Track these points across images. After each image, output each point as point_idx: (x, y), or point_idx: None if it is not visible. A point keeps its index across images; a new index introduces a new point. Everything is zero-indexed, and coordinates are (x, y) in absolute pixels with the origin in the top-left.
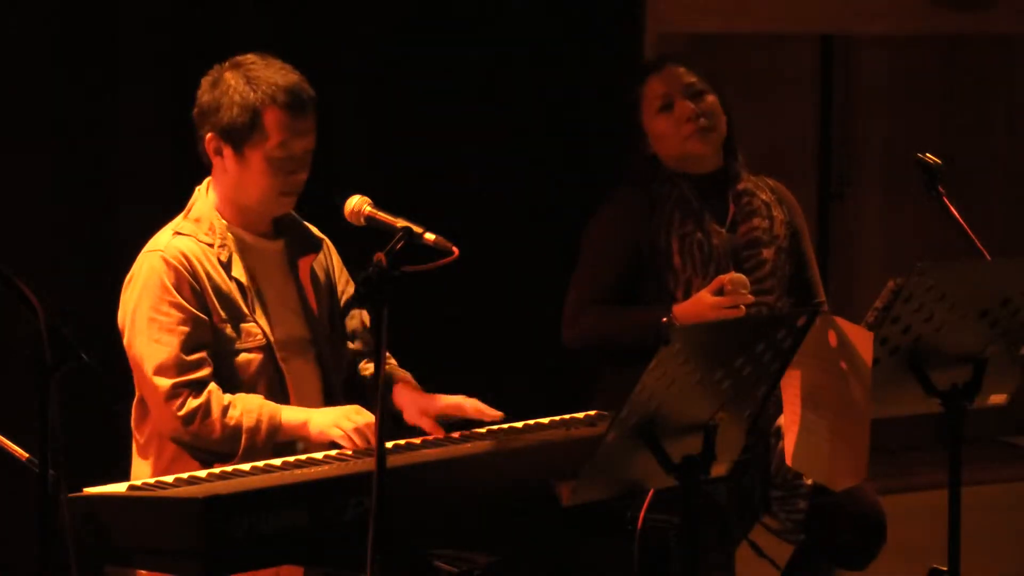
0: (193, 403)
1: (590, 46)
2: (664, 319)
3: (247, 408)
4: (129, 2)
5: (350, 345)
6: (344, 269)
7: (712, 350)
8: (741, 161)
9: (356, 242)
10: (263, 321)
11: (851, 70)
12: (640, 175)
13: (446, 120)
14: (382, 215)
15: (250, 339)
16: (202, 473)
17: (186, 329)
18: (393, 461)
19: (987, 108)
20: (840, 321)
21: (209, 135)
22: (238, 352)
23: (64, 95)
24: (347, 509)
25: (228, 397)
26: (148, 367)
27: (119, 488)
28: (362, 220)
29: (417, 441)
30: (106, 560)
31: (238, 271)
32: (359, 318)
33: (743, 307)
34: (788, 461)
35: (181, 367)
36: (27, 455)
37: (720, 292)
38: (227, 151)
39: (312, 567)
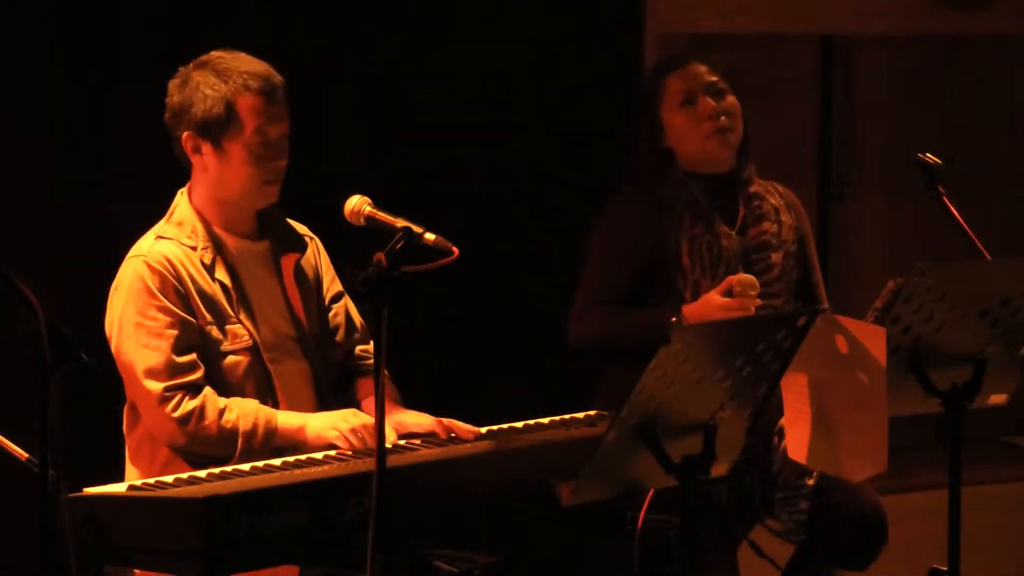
0: (189, 405)
1: (590, 46)
2: (673, 319)
3: (243, 412)
4: (129, 2)
5: (336, 340)
6: (331, 267)
7: (712, 350)
8: (753, 165)
9: (356, 242)
10: (248, 322)
11: (851, 70)
12: (647, 174)
13: (446, 120)
14: (382, 215)
15: (236, 341)
16: (202, 473)
17: (175, 332)
18: (393, 461)
19: (987, 108)
20: (847, 320)
21: (185, 134)
22: (225, 354)
23: (64, 95)
24: (347, 509)
25: (224, 400)
26: (139, 372)
27: (119, 488)
28: (362, 220)
29: (417, 441)
30: (106, 560)
31: (221, 273)
32: (343, 312)
33: (752, 308)
34: (793, 457)
35: (172, 370)
36: (27, 455)
37: (729, 293)
38: (205, 147)
39: (312, 567)
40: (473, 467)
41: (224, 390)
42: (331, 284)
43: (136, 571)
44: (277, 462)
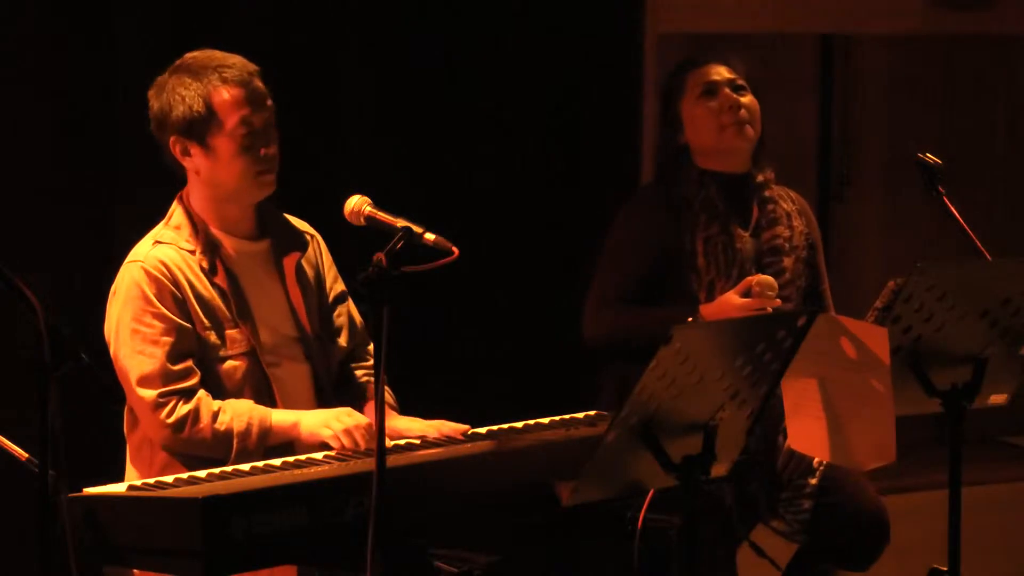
0: (182, 410)
1: (590, 46)
2: (690, 319)
3: (237, 412)
4: (129, 2)
5: (339, 342)
6: (333, 265)
7: (712, 350)
8: (771, 169)
9: (356, 242)
10: (247, 326)
11: (851, 70)
12: (664, 170)
13: (445, 120)
14: (382, 215)
15: (235, 345)
16: (202, 473)
17: (169, 339)
18: (393, 461)
19: (987, 108)
20: (848, 320)
21: (171, 139)
22: (223, 359)
23: (64, 94)
24: (347, 509)
25: (217, 403)
26: (133, 379)
27: (119, 488)
28: (362, 220)
29: (417, 441)
30: (106, 560)
31: (220, 277)
32: (346, 314)
33: (770, 309)
34: (798, 451)
35: (167, 377)
36: (27, 455)
37: (747, 294)
38: (193, 148)
39: (312, 567)
40: (473, 467)
41: (222, 395)
42: (334, 283)
43: (136, 571)
44: (277, 462)
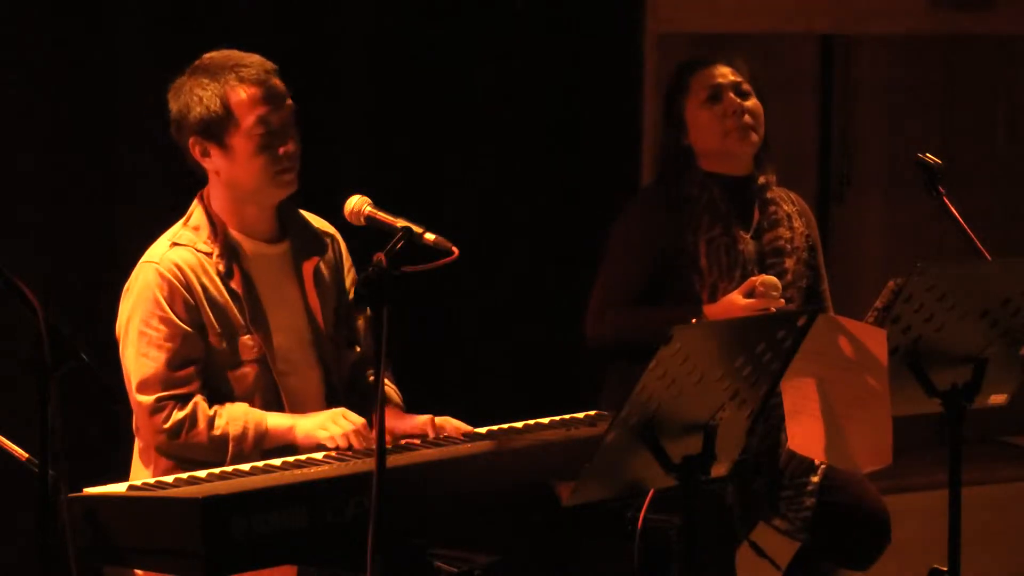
0: (178, 415)
1: (590, 46)
2: (695, 320)
3: (232, 416)
4: (129, 2)
5: (355, 346)
6: (353, 267)
7: (712, 350)
8: (772, 171)
9: (356, 242)
10: (260, 333)
11: (851, 70)
12: (667, 172)
13: (445, 120)
14: (382, 215)
15: (247, 352)
16: (202, 473)
17: (172, 345)
18: (393, 461)
19: (987, 108)
20: (847, 321)
21: (191, 140)
22: (234, 366)
23: (64, 95)
24: (347, 509)
25: (213, 407)
26: (133, 382)
27: (119, 488)
28: (362, 220)
29: (417, 441)
30: (106, 560)
31: (236, 281)
32: (363, 316)
33: (773, 310)
34: (794, 448)
35: (166, 382)
36: (27, 455)
37: (751, 294)
38: (212, 149)
39: (312, 567)
40: (473, 467)
41: (232, 400)
42: (352, 285)
43: (136, 571)
44: (277, 462)
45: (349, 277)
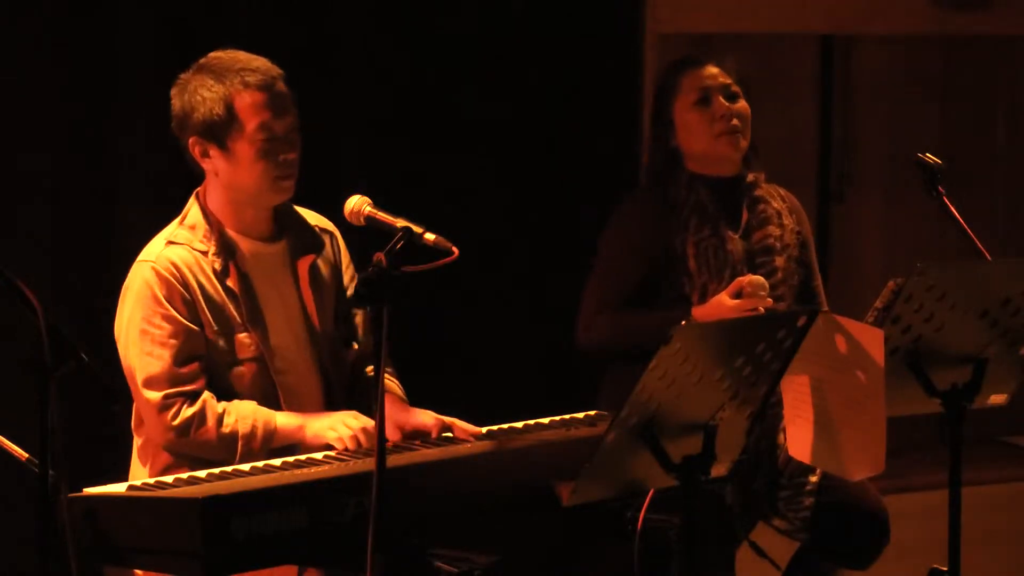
0: (187, 412)
1: (590, 46)
2: (683, 321)
3: (242, 415)
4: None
5: (353, 344)
6: (351, 264)
7: (712, 350)
8: (759, 170)
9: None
10: (257, 331)
11: (851, 70)
12: (654, 173)
13: (445, 119)
14: (382, 215)
15: (244, 350)
16: (202, 473)
17: (176, 342)
18: (393, 461)
19: (987, 108)
20: (846, 321)
21: (192, 139)
22: (231, 364)
23: (64, 94)
24: (347, 509)
25: (222, 405)
26: (139, 380)
27: (119, 488)
28: (362, 220)
29: (417, 441)
30: (106, 560)
31: (233, 280)
32: (361, 313)
33: (762, 309)
34: (793, 454)
35: (173, 379)
36: (27, 455)
37: (739, 295)
38: (212, 150)
39: (312, 567)
40: (473, 467)
41: (231, 399)
42: (351, 282)
43: (136, 571)
44: (277, 462)
45: (348, 273)
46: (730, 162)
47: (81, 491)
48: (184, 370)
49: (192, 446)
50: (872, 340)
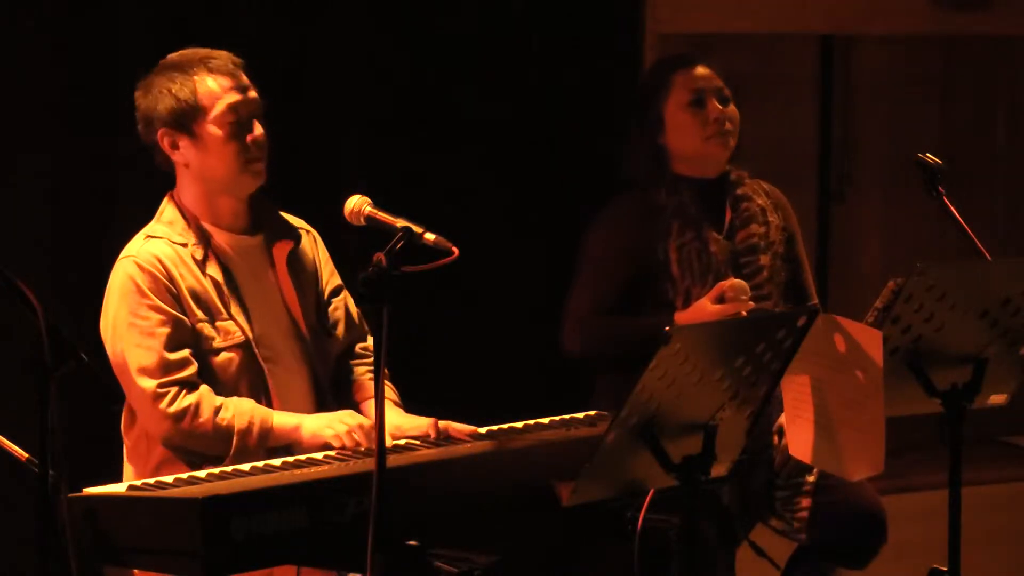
0: (184, 402)
1: (590, 46)
2: (667, 328)
3: (239, 410)
4: (129, 2)
5: (336, 335)
6: (330, 260)
7: (712, 350)
8: (744, 170)
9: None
10: (241, 318)
11: (851, 70)
12: (638, 172)
13: (444, 119)
14: (382, 215)
15: (228, 337)
16: (202, 473)
17: (166, 330)
18: (393, 461)
19: (987, 108)
20: (844, 321)
21: (160, 132)
22: (217, 351)
23: (63, 94)
24: (347, 509)
25: (220, 399)
26: (133, 371)
27: (119, 488)
28: (362, 220)
29: (417, 441)
30: (106, 560)
31: (213, 269)
32: (343, 307)
33: (744, 313)
34: (793, 454)
35: (166, 367)
36: (27, 455)
37: (721, 299)
38: (181, 139)
39: (312, 567)
40: (473, 467)
41: (218, 389)
42: (330, 278)
43: (136, 571)
44: (277, 462)
45: (326, 270)
46: (716, 164)
47: (81, 491)
48: (175, 357)
49: (187, 436)
50: (872, 340)
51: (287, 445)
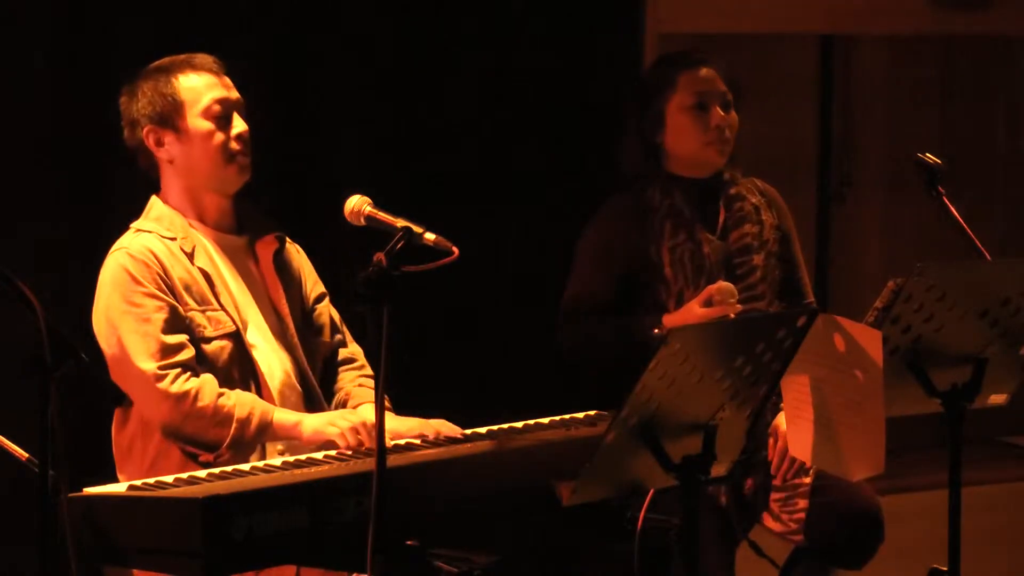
0: (186, 385)
1: (590, 46)
2: (656, 330)
3: (241, 401)
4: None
5: (322, 338)
6: (313, 271)
7: (712, 350)
8: (738, 169)
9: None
10: (231, 307)
11: (851, 70)
12: (632, 169)
13: (444, 119)
14: (382, 215)
15: (219, 327)
16: (202, 473)
17: (163, 315)
18: (393, 461)
19: (987, 108)
20: (844, 321)
21: (145, 130)
22: (208, 340)
23: (63, 93)
24: (347, 509)
25: (224, 389)
26: (132, 356)
27: (119, 488)
28: (362, 220)
29: (417, 441)
30: (106, 560)
31: (202, 260)
32: (327, 313)
33: (732, 316)
34: (794, 454)
35: (165, 350)
36: (27, 455)
37: (709, 303)
38: (166, 135)
39: (312, 567)
40: (473, 467)
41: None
42: (314, 286)
43: (136, 571)
44: (277, 462)
45: (310, 279)
46: (712, 167)
47: (81, 491)
48: (173, 341)
49: (186, 418)
50: (872, 340)
51: (287, 440)
